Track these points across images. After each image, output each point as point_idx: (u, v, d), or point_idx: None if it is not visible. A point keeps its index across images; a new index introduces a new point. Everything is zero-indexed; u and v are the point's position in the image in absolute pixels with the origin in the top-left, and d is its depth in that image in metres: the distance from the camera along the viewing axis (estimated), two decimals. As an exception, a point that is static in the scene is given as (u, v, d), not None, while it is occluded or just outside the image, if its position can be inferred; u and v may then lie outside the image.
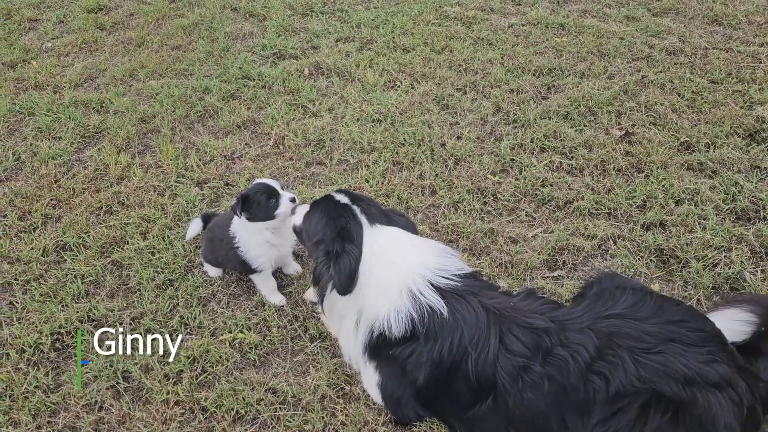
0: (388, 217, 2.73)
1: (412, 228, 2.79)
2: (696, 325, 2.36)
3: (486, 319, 2.45)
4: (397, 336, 2.46)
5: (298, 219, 2.91)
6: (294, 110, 4.73)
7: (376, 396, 2.80)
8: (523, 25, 5.66)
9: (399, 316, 2.45)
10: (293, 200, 3.11)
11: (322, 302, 2.70)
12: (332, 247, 2.53)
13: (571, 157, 4.18)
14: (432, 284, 2.50)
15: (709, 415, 2.16)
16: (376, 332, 2.53)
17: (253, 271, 3.29)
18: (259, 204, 3.08)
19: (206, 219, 3.57)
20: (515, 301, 2.58)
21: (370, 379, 2.75)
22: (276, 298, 3.36)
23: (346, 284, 2.50)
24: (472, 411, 2.49)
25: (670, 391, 2.18)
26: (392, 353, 2.52)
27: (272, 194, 3.09)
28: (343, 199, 2.71)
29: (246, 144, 4.45)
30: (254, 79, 5.08)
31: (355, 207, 2.66)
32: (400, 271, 2.54)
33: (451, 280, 2.54)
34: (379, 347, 2.56)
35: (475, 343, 2.41)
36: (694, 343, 2.28)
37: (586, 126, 4.45)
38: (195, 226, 3.57)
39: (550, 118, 4.51)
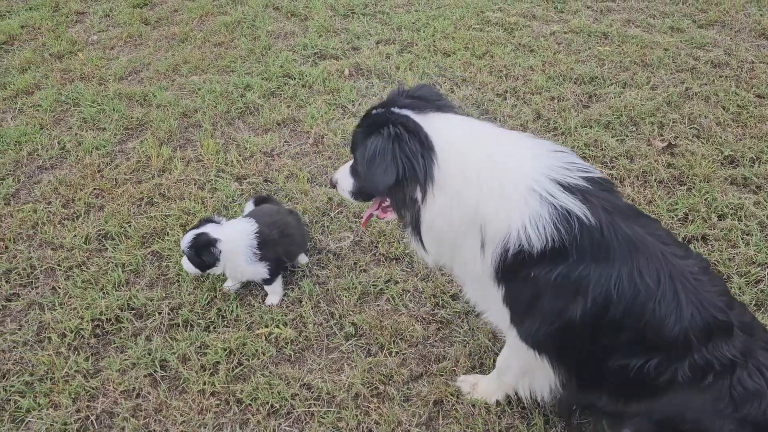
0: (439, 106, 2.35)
1: None
2: None
3: (663, 263, 2.06)
4: (539, 249, 2.06)
5: (345, 183, 2.56)
6: (333, 110, 4.75)
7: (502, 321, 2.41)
8: (565, 32, 5.63)
9: (538, 223, 2.05)
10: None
11: (420, 237, 2.27)
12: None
13: (612, 167, 4.14)
14: (563, 187, 2.11)
15: None
16: (512, 250, 2.10)
17: None
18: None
19: (259, 202, 3.66)
20: (691, 266, 2.17)
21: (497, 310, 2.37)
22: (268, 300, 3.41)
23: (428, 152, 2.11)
24: (620, 361, 2.19)
25: None
26: (534, 274, 2.11)
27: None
28: (379, 110, 2.34)
29: (285, 141, 4.49)
30: (295, 78, 5.12)
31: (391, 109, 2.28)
32: (513, 166, 2.15)
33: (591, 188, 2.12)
34: (515, 267, 2.14)
35: (661, 295, 2.05)
36: None
37: (627, 136, 4.40)
38: (247, 210, 3.65)
39: (591, 126, 4.47)
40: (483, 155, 2.17)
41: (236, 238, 3.23)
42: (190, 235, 3.18)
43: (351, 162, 2.55)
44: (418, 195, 2.17)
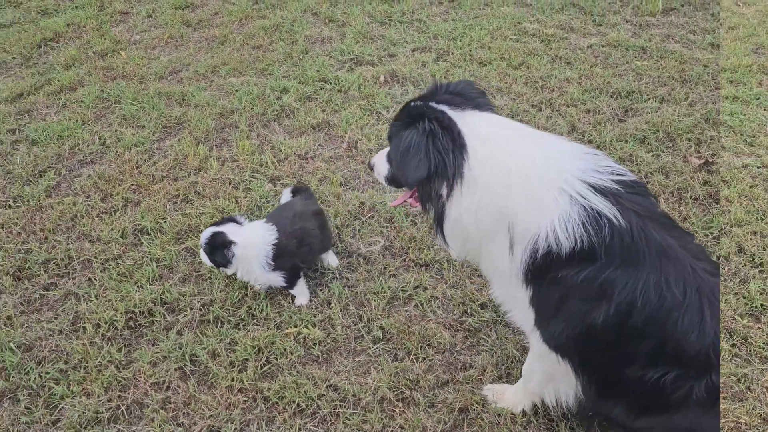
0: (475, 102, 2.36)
1: None
2: None
3: (692, 276, 2.01)
4: (567, 250, 2.04)
5: (381, 168, 2.64)
6: (368, 115, 4.79)
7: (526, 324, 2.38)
8: (603, 46, 5.60)
9: (567, 224, 2.03)
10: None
11: (442, 231, 2.28)
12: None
13: (647, 182, 4.10)
14: (593, 188, 2.08)
15: None
16: (541, 250, 2.07)
17: None
18: None
19: (296, 192, 3.71)
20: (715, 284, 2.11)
21: (523, 312, 2.36)
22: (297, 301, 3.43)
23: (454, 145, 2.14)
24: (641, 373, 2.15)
25: None
26: (561, 276, 2.08)
27: None
28: (418, 103, 2.37)
29: (320, 145, 4.54)
30: (331, 83, 5.17)
31: (431, 104, 2.31)
32: (544, 166, 2.13)
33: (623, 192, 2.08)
34: (544, 268, 2.11)
35: (686, 308, 1.99)
36: None
37: (663, 152, 4.36)
38: (285, 198, 3.72)
39: (626, 141, 4.43)
40: (514, 155, 2.17)
41: (253, 244, 3.24)
42: (209, 231, 3.23)
43: (388, 148, 2.58)
44: (444, 191, 2.20)
